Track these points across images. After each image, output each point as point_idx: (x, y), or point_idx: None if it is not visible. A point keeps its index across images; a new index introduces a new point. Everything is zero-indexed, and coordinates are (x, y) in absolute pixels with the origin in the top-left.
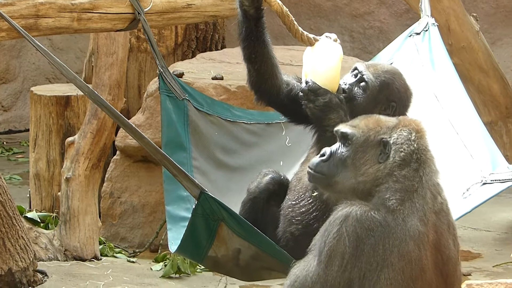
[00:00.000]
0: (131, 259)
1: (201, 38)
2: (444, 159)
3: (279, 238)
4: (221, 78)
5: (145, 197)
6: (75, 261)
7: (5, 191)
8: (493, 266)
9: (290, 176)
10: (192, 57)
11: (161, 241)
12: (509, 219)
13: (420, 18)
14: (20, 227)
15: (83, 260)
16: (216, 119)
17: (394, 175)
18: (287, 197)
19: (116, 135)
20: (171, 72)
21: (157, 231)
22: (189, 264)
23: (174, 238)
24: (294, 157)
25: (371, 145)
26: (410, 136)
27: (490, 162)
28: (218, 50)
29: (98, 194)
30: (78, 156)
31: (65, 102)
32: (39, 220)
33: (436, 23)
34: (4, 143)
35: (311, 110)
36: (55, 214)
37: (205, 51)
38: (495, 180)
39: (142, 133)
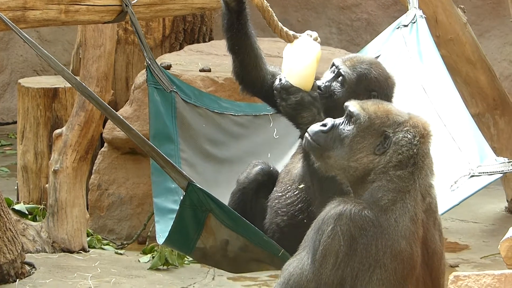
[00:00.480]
0: (119, 251)
1: (189, 30)
2: (432, 151)
3: (266, 229)
4: (209, 70)
5: (133, 189)
6: (62, 253)
7: None
8: (481, 258)
9: (278, 167)
10: (179, 49)
11: (149, 233)
12: (497, 210)
13: (407, 10)
14: (7, 219)
15: (71, 252)
16: (204, 111)
17: (389, 174)
18: (275, 188)
19: (103, 127)
20: (159, 64)
21: (144, 223)
22: (177, 256)
23: (162, 230)
24: (282, 149)
25: (373, 133)
26: (413, 140)
27: (477, 154)
28: (206, 42)
29: (86, 186)
30: (65, 148)
31: (52, 94)
32: (26, 212)
33: (423, 15)
34: None
35: (283, 108)
36: (42, 206)
37: (192, 43)
38: (483, 173)
39: (130, 125)
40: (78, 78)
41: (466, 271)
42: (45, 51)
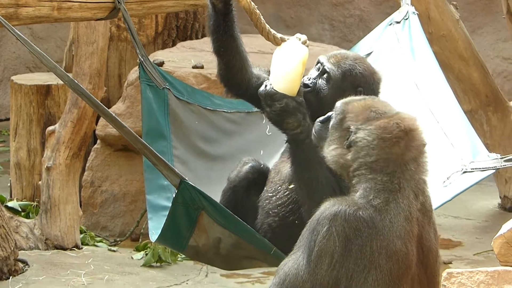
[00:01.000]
0: (112, 248)
1: (182, 27)
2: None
3: (258, 229)
4: (202, 67)
5: (126, 186)
6: (56, 250)
7: None
8: (474, 255)
9: (270, 164)
10: (172, 46)
11: (142, 230)
12: (490, 207)
13: (400, 6)
14: (0, 216)
15: (64, 249)
16: (197, 108)
17: (372, 177)
18: (265, 188)
19: (96, 124)
20: (152, 61)
21: (138, 220)
22: (170, 253)
23: (155, 227)
24: (275, 146)
25: (342, 127)
26: (370, 145)
27: (470, 150)
28: (199, 39)
29: (79, 183)
30: (58, 145)
31: (45, 91)
32: (20, 209)
33: (416, 12)
34: None
35: (268, 114)
36: (36, 203)
37: (185, 40)
38: (476, 169)
39: (122, 122)
40: (70, 75)
41: (460, 268)
42: (38, 48)
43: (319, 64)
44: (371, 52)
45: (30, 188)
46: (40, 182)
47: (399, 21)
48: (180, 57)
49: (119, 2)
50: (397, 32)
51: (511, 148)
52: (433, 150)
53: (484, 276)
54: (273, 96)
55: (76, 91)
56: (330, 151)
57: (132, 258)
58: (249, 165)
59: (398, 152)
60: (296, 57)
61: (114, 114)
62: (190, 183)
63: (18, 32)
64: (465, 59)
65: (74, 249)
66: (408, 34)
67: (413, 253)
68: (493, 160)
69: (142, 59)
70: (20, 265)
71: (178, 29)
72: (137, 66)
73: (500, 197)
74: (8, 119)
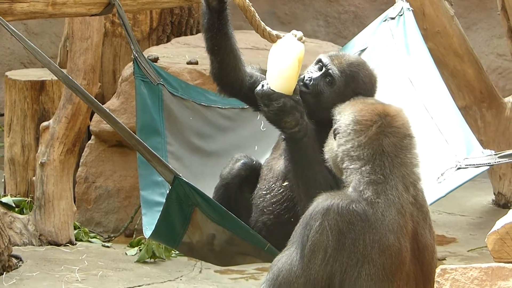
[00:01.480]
0: (106, 244)
1: (176, 22)
2: (418, 143)
3: (252, 227)
4: (196, 63)
5: (120, 181)
6: (50, 246)
7: None
8: (468, 251)
9: (264, 160)
10: (167, 42)
11: (136, 226)
12: (484, 203)
13: (395, 2)
14: None
15: (58, 245)
16: (191, 104)
17: (354, 168)
18: (258, 186)
19: (91, 119)
20: (146, 56)
21: (132, 216)
22: (164, 249)
23: (149, 223)
24: (269, 142)
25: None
26: (347, 129)
27: (464, 146)
28: (193, 35)
29: (73, 179)
30: (53, 141)
31: (40, 86)
32: (13, 205)
33: (411, 8)
34: None
35: (265, 114)
36: (30, 199)
37: (180, 36)
38: (470, 165)
39: (116, 118)
40: (65, 70)
41: (453, 264)
42: (32, 44)
43: (320, 64)
44: (366, 48)
45: (24, 184)
46: (34, 178)
47: (393, 17)
48: (175, 53)
49: None
50: (392, 28)
51: (505, 144)
52: (427, 146)
53: (478, 272)
54: (270, 96)
55: (70, 87)
56: (326, 150)
57: (126, 254)
58: (241, 162)
59: (373, 136)
60: (291, 54)
61: (108, 110)
62: (184, 179)
63: (13, 28)
64: (459, 55)
65: (68, 245)
66: (402, 30)
67: (407, 249)
68: (487, 156)
69: (136, 55)
70: (14, 261)
71: (173, 25)
72: (132, 62)
73: (494, 194)
74: (2, 115)
